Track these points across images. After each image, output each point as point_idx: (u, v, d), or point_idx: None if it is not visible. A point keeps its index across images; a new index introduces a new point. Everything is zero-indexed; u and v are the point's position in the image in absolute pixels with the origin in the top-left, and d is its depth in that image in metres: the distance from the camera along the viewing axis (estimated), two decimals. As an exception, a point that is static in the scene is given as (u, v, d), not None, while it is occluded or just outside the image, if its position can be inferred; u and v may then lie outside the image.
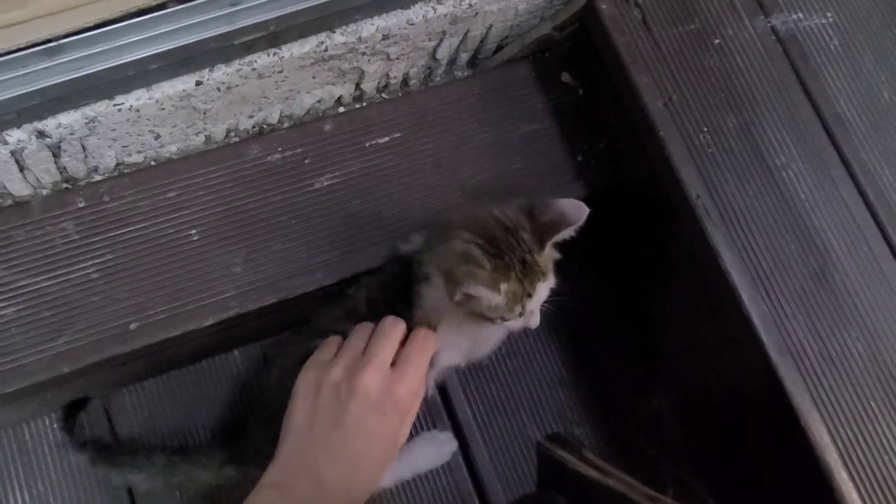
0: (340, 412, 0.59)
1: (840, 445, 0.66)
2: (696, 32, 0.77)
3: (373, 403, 0.60)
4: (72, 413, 0.83)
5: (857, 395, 0.67)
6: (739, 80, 0.76)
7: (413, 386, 0.62)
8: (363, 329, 0.66)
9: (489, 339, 0.77)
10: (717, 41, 0.77)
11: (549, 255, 0.67)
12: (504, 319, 0.67)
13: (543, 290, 0.67)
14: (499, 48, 0.87)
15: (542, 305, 0.69)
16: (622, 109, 0.79)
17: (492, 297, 0.63)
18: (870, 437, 0.66)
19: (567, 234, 0.66)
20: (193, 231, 0.76)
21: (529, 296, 0.65)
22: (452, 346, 0.73)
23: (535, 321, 0.69)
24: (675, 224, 0.77)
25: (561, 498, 0.55)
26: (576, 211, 0.65)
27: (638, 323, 0.98)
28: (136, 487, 0.84)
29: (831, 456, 0.65)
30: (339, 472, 0.59)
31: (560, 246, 0.68)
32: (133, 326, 0.72)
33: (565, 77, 0.88)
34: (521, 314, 0.66)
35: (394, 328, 0.64)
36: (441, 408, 0.92)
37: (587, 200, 0.84)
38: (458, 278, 0.63)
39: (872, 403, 0.67)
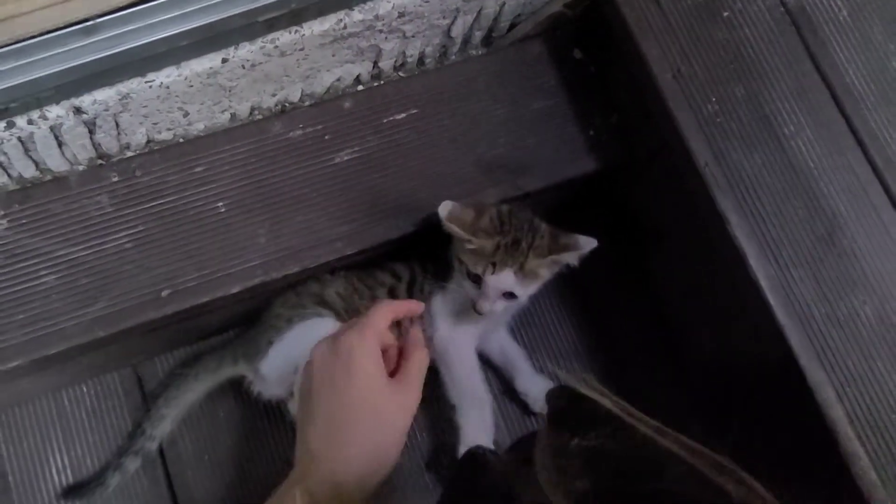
0: None
1: (846, 403, 0.67)
2: (705, 5, 0.79)
3: None
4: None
5: (863, 355, 0.69)
6: (748, 51, 0.78)
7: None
8: None
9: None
10: (725, 13, 0.79)
11: (541, 267, 0.78)
12: (470, 273, 0.78)
13: (508, 278, 0.76)
14: (512, 26, 0.89)
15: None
16: (632, 83, 0.81)
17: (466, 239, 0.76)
18: (875, 395, 0.68)
19: (572, 257, 0.78)
20: (220, 203, 0.80)
21: (493, 265, 0.76)
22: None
23: (485, 306, 0.78)
24: (685, 193, 0.78)
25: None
26: (586, 242, 0.77)
27: (651, 293, 0.99)
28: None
29: (837, 413, 0.67)
30: None
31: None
32: (165, 293, 0.76)
33: (577, 53, 0.90)
34: (479, 277, 0.77)
35: None
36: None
37: (599, 174, 0.87)
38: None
39: (878, 363, 0.69)
